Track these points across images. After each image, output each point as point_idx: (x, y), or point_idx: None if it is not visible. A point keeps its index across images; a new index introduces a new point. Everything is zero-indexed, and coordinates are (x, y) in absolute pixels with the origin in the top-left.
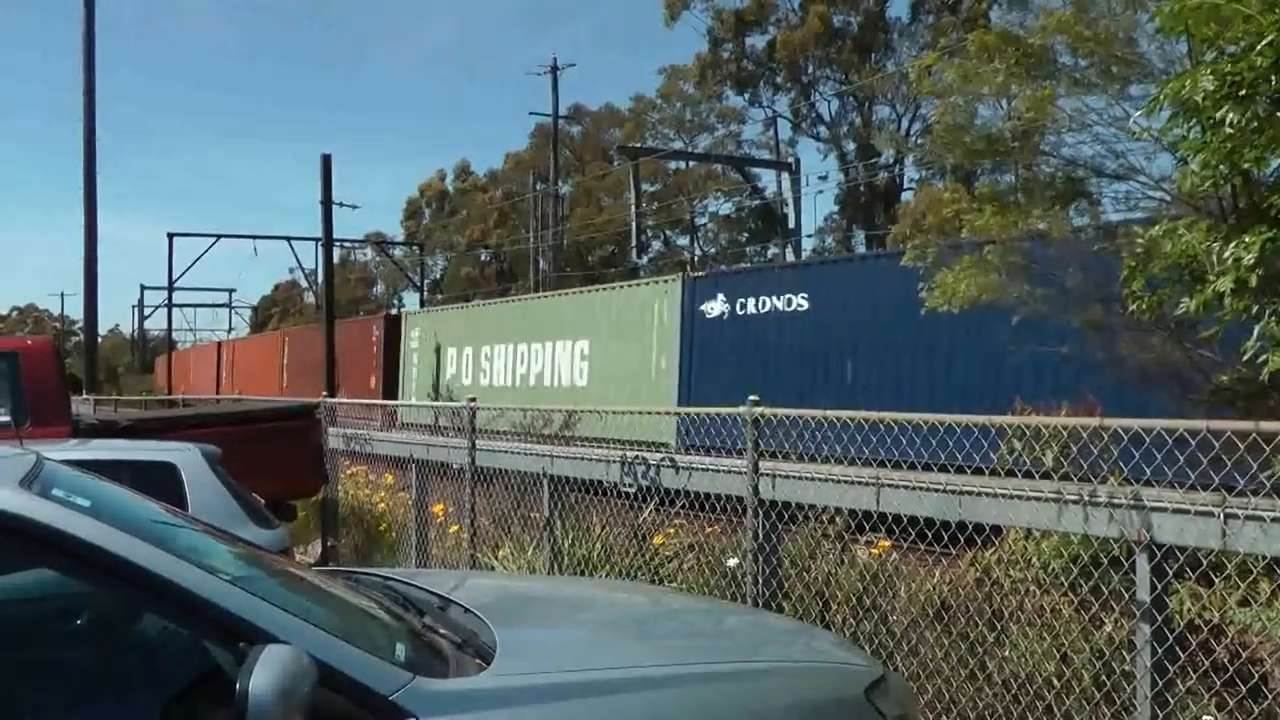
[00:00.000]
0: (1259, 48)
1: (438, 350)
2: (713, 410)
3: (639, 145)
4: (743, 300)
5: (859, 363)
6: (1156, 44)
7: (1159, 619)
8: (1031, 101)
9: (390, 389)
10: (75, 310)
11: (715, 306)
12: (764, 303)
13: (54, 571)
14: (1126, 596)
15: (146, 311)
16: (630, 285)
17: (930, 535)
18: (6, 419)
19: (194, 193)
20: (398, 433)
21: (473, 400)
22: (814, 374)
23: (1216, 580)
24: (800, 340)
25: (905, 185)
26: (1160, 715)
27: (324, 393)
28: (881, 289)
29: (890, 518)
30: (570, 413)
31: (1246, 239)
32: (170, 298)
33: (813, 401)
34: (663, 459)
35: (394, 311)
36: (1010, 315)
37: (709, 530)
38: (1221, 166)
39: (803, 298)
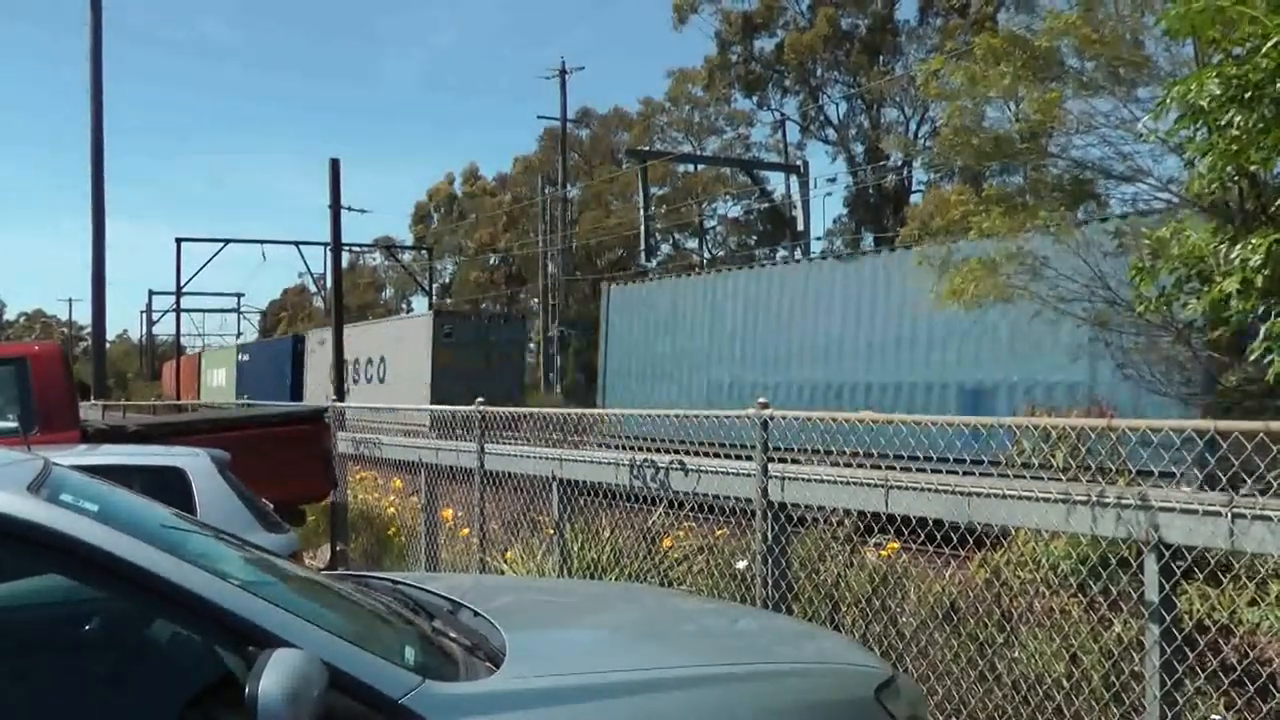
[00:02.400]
0: (1265, 50)
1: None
2: (720, 412)
3: (647, 148)
4: (245, 357)
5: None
6: (1163, 46)
7: (1168, 619)
8: (1039, 104)
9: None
10: (83, 316)
11: (243, 357)
12: (257, 355)
13: (62, 577)
14: (1135, 597)
15: (155, 317)
16: (220, 349)
17: (939, 536)
18: (15, 424)
19: (203, 198)
20: (405, 438)
21: (482, 402)
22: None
23: (1225, 580)
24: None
25: (914, 187)
26: (1169, 715)
27: (332, 397)
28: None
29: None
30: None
31: (1253, 240)
32: (178, 303)
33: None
34: (671, 462)
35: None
36: None
37: (718, 533)
38: (1228, 169)
39: (246, 358)
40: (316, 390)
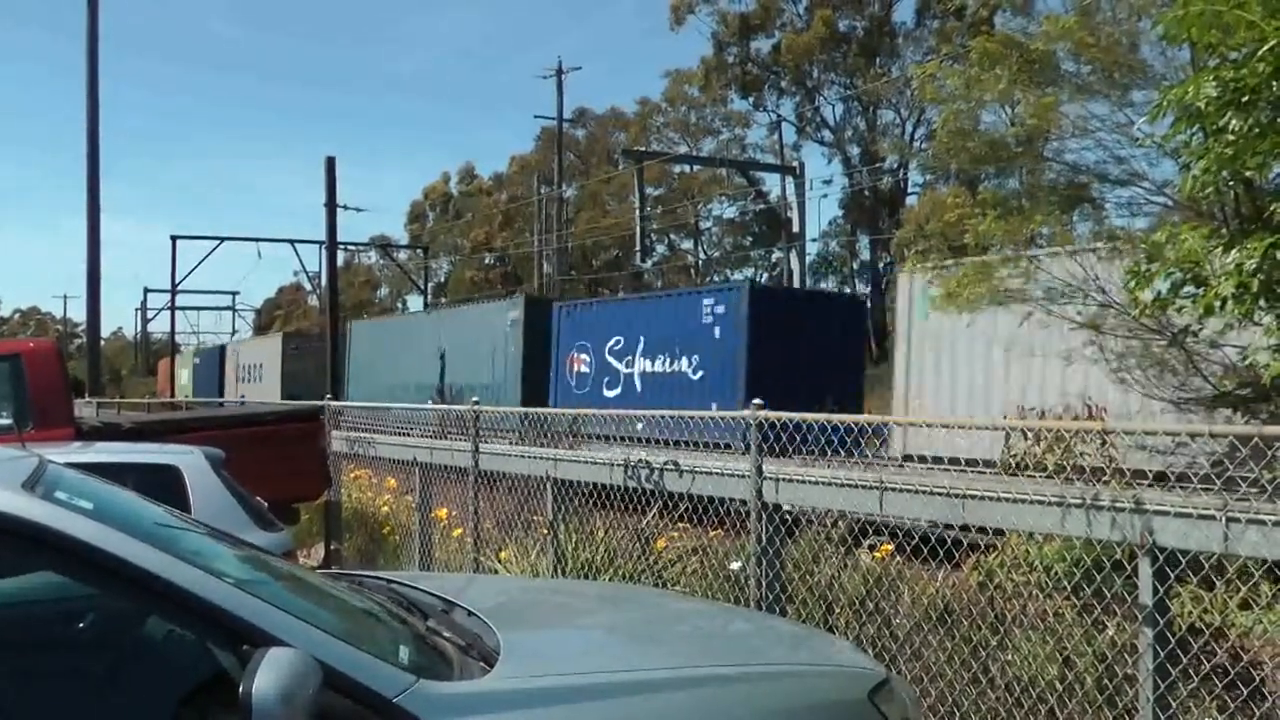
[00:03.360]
0: (1261, 53)
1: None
2: (717, 414)
3: (644, 149)
4: (199, 361)
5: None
6: (1159, 50)
7: (1161, 622)
8: (1035, 108)
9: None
10: (78, 313)
11: (197, 360)
12: (204, 360)
13: (57, 574)
14: (1129, 600)
15: (150, 314)
16: (186, 352)
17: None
18: (9, 421)
19: (199, 197)
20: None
21: (476, 402)
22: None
23: (1218, 584)
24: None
25: (909, 189)
26: (1162, 718)
27: (328, 395)
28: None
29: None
30: (576, 417)
31: (1248, 244)
32: (173, 300)
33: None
34: (666, 463)
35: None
36: None
37: (712, 534)
38: (1224, 173)
39: (198, 361)
40: (229, 389)
